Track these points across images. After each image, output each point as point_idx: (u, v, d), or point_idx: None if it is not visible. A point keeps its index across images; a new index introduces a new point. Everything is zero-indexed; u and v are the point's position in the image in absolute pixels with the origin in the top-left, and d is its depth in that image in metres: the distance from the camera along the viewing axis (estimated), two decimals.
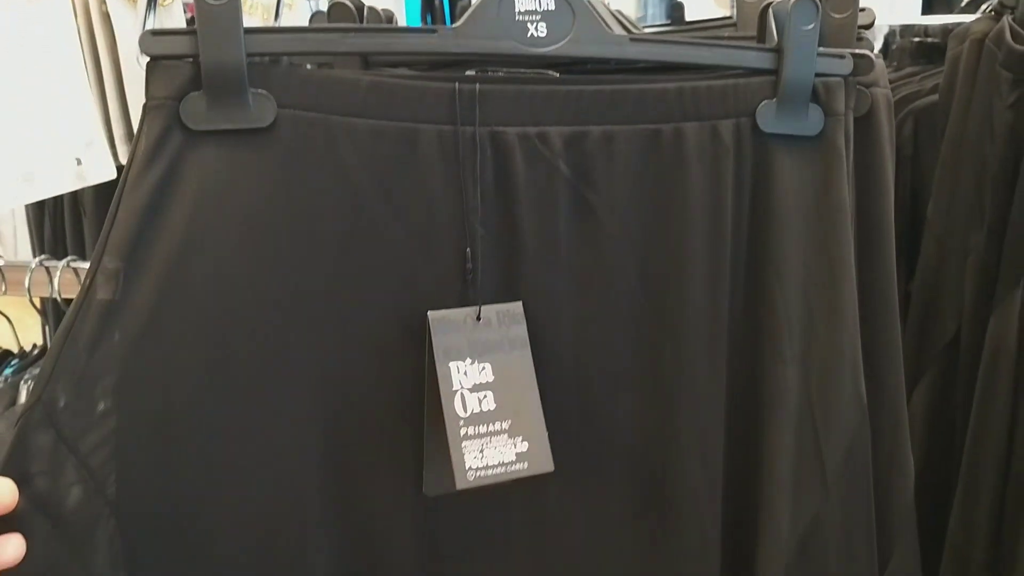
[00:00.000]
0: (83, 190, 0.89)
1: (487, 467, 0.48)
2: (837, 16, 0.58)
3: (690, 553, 0.59)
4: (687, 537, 0.59)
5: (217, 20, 0.45)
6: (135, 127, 0.57)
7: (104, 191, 0.74)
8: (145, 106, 0.47)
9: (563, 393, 0.53)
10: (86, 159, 0.79)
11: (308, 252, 0.48)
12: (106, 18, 0.81)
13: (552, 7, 0.50)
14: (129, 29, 0.82)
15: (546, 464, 0.49)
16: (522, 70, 0.53)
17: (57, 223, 1.16)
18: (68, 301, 0.81)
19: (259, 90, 0.47)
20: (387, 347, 0.51)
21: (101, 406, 0.46)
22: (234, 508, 0.50)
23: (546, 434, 0.50)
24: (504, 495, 0.53)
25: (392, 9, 0.81)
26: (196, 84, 0.46)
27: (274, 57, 0.49)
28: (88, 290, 0.46)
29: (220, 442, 0.49)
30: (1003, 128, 0.77)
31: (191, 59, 0.46)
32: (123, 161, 0.82)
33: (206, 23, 0.45)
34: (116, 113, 0.83)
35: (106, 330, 0.46)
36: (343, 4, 0.71)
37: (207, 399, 0.48)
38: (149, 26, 0.49)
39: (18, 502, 0.44)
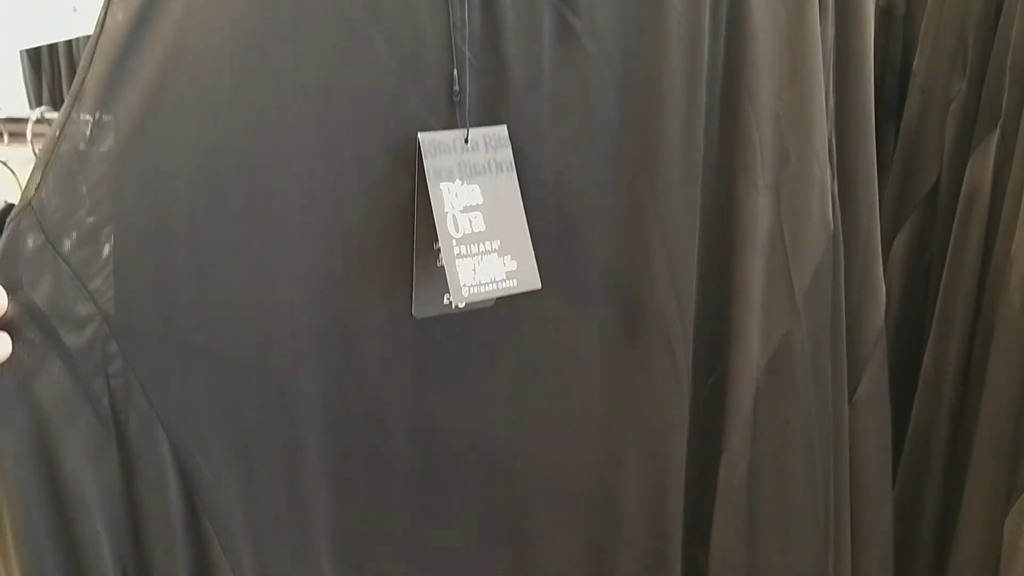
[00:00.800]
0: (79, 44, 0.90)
1: (480, 284, 0.50)
2: None
3: (662, 374, 0.63)
4: (659, 359, 0.62)
5: None
6: None
7: None
8: None
9: (544, 216, 0.56)
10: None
11: (296, 69, 0.48)
12: None
13: None
14: None
15: (534, 282, 0.52)
16: None
17: (55, 76, 1.16)
18: None
19: None
20: (375, 168, 0.51)
21: (92, 217, 0.46)
22: (228, 323, 0.50)
23: (533, 254, 0.52)
24: (488, 316, 0.57)
25: None
26: None
27: None
28: (77, 97, 0.45)
29: (212, 255, 0.49)
30: None
31: None
32: None
33: None
34: None
35: (97, 138, 0.45)
36: None
37: (198, 212, 0.48)
38: None
39: (7, 308, 0.44)
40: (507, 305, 0.56)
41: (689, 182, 0.59)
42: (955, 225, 0.80)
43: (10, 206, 0.96)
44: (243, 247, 0.50)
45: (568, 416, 0.62)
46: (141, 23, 0.45)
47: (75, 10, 0.77)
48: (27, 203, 0.45)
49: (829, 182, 0.63)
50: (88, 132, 0.45)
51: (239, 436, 0.52)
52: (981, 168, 0.77)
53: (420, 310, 0.54)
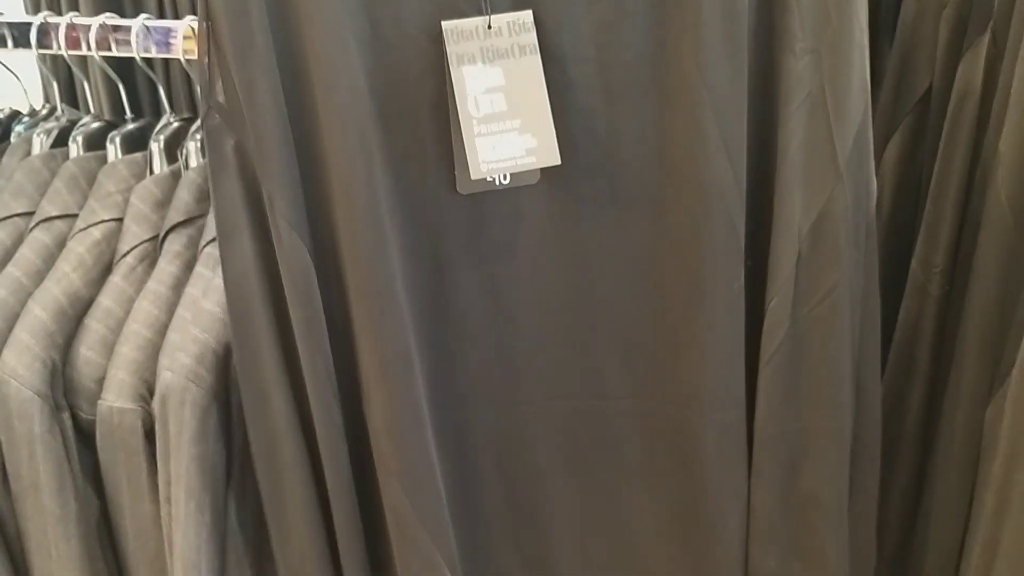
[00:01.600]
0: None
1: (498, 160, 0.53)
2: None
3: (723, 243, 0.66)
4: (719, 228, 0.65)
5: None
6: None
7: None
8: None
9: (589, 94, 0.58)
10: None
11: None
12: None
13: None
14: None
15: (553, 158, 0.55)
16: None
17: None
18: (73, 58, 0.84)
19: None
20: (422, 53, 0.56)
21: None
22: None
23: (553, 131, 0.55)
24: (537, 192, 0.62)
25: None
26: None
27: None
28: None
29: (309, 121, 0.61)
30: None
31: None
32: None
33: None
34: None
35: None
36: None
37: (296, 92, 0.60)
38: None
39: None
40: (554, 182, 0.60)
41: (734, 50, 0.61)
42: (945, 126, 0.82)
43: (15, 112, 0.97)
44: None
45: (628, 283, 0.68)
46: None
47: None
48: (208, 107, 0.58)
49: (867, 42, 0.65)
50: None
51: None
52: (972, 70, 0.79)
53: (464, 186, 0.57)
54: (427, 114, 0.58)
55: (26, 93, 0.94)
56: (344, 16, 0.55)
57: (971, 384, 0.80)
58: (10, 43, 0.86)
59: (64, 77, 1.09)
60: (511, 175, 0.60)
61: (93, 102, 0.92)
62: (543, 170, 0.62)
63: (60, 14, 1.17)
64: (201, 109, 0.64)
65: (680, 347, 0.70)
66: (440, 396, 0.70)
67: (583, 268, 0.68)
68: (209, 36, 0.59)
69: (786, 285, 0.68)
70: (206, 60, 0.60)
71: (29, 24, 0.85)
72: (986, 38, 0.78)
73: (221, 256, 0.68)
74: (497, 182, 0.59)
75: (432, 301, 0.67)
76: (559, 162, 0.56)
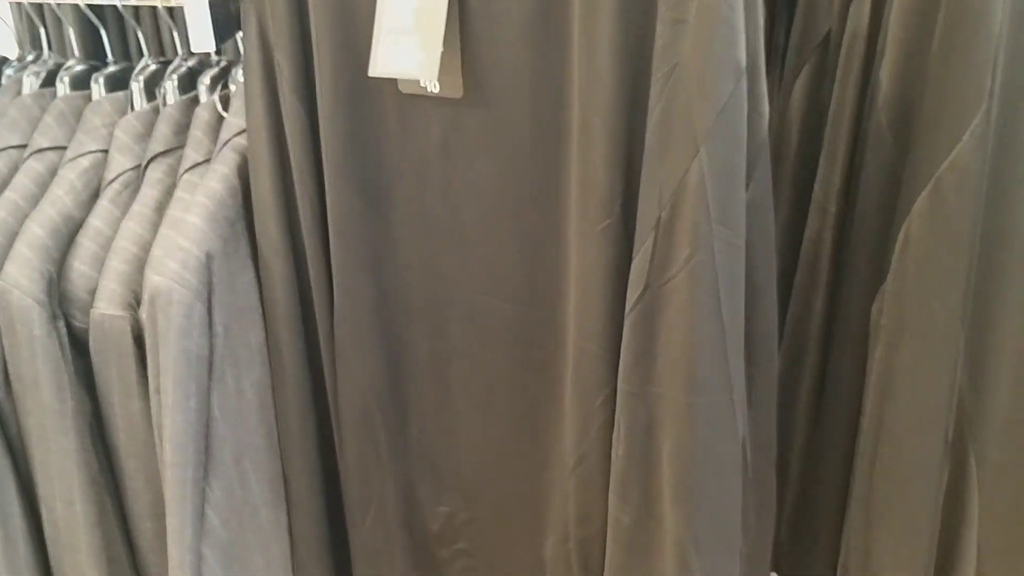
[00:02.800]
0: None
1: (392, 65, 0.67)
2: None
3: (588, 184, 0.75)
4: (589, 172, 0.75)
5: None
6: None
7: None
8: None
9: (485, 29, 0.70)
10: None
11: None
12: None
13: None
14: None
15: (432, 75, 0.71)
16: None
17: None
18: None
19: None
20: None
21: None
22: None
23: (439, 53, 0.69)
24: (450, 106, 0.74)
25: None
26: None
27: None
28: None
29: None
30: None
31: None
32: None
33: None
34: None
35: None
36: None
37: None
38: None
39: None
40: (474, 99, 0.74)
41: (617, 9, 0.69)
42: (840, 63, 0.93)
43: (3, 58, 1.06)
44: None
45: (524, 203, 0.81)
46: None
47: None
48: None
49: (740, 22, 0.67)
50: None
51: None
52: (860, 14, 0.90)
53: (404, 86, 0.71)
54: (369, 20, 0.72)
55: (15, 35, 1.02)
56: None
57: (862, 286, 0.91)
58: None
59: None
60: (440, 85, 0.73)
61: (70, 48, 1.01)
62: (466, 88, 0.74)
63: None
64: None
65: (560, 276, 0.81)
66: (376, 260, 0.87)
67: (491, 181, 0.80)
68: None
69: (646, 246, 0.72)
70: None
71: None
72: None
73: (246, 114, 0.85)
74: (428, 89, 0.72)
75: (375, 178, 0.83)
76: (435, 77, 0.70)
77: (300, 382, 0.91)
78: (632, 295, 0.75)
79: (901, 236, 0.84)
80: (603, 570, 0.86)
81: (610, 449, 0.81)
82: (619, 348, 0.78)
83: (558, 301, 0.83)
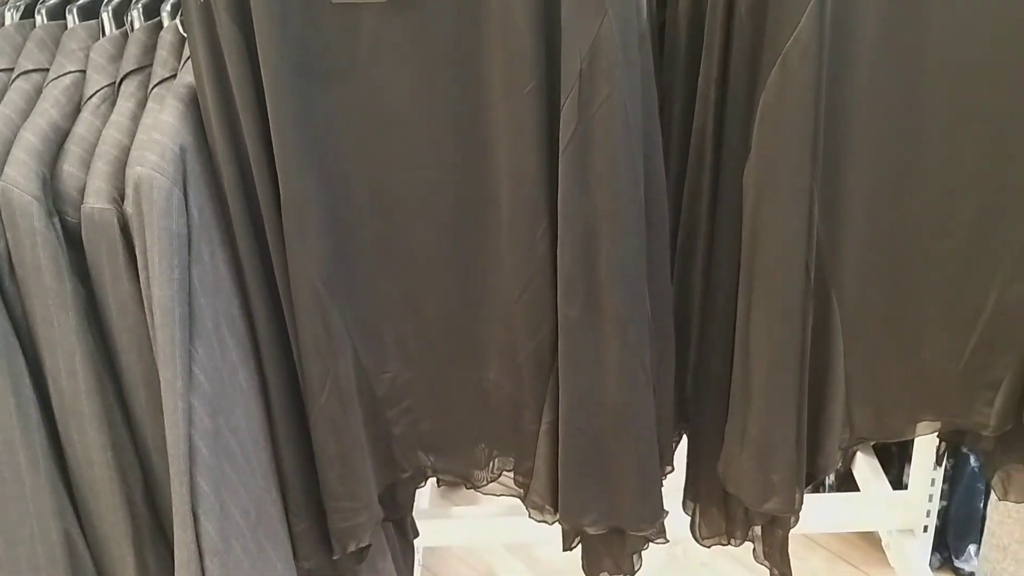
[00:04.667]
0: None
1: None
2: None
3: (517, 52, 0.92)
4: (511, 41, 0.92)
5: None
6: None
7: None
8: None
9: None
10: None
11: None
12: None
13: None
14: None
15: None
16: None
17: None
18: None
19: None
20: None
21: None
22: None
23: None
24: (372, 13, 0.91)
25: None
26: None
27: None
28: None
29: None
30: None
31: None
32: None
33: None
34: None
35: None
36: None
37: None
38: None
39: None
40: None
41: None
42: None
43: None
44: None
45: (452, 86, 0.97)
46: None
47: None
48: None
49: None
50: None
51: None
52: None
53: None
54: None
55: None
56: None
57: (737, 160, 1.09)
58: None
59: None
60: None
61: None
62: None
63: None
64: None
65: (491, 139, 0.99)
66: (316, 154, 1.01)
67: (420, 68, 0.96)
68: None
69: (572, 92, 0.91)
70: None
71: None
72: None
73: (187, 37, 0.97)
74: None
75: (310, 79, 0.97)
76: None
77: (259, 264, 1.06)
78: (565, 134, 0.94)
79: (759, 108, 1.01)
80: (553, 364, 1.05)
81: (554, 268, 1.02)
82: (553, 185, 0.98)
83: (490, 162, 1.00)
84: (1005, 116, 1.09)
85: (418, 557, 2.01)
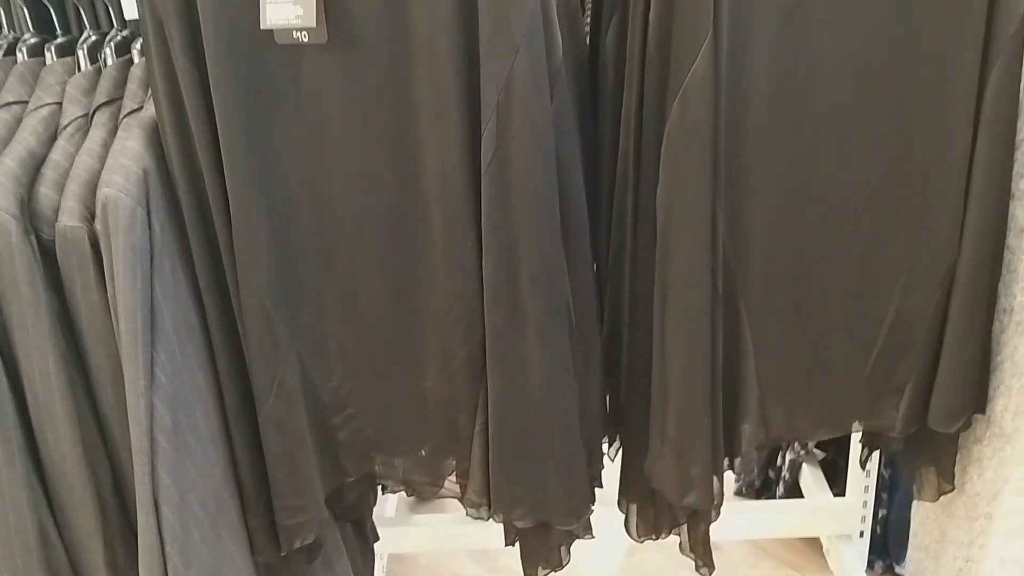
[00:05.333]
0: None
1: (279, 20, 0.94)
2: None
3: (440, 81, 1.05)
4: (435, 78, 1.05)
5: None
6: None
7: None
8: None
9: None
10: None
11: None
12: None
13: None
14: None
15: (311, 22, 0.95)
16: None
17: None
18: None
19: None
20: None
21: None
22: None
23: (315, 9, 0.96)
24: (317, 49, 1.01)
25: None
26: None
27: None
28: None
29: None
30: None
31: None
32: None
33: None
34: None
35: None
36: None
37: None
38: None
39: None
40: (336, 42, 1.02)
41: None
42: (630, 14, 1.21)
43: None
44: None
45: (384, 117, 1.09)
46: None
47: None
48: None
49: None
50: None
51: None
52: None
53: (279, 37, 0.96)
54: None
55: None
56: None
57: (652, 178, 1.20)
58: None
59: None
60: (309, 32, 1.00)
61: (24, 24, 1.27)
62: (330, 34, 1.02)
63: None
64: None
65: (420, 165, 1.11)
66: (263, 179, 1.13)
67: (356, 102, 1.08)
68: None
69: (491, 121, 1.03)
70: None
71: None
72: None
73: (148, 73, 1.09)
74: (298, 39, 1.00)
75: (258, 111, 1.09)
76: (314, 25, 0.98)
77: (214, 276, 1.17)
78: (486, 157, 1.06)
79: (665, 136, 1.13)
80: (484, 368, 1.17)
81: (481, 279, 1.13)
82: (477, 203, 1.10)
83: (421, 184, 1.12)
84: (895, 139, 1.21)
85: (383, 564, 2.11)
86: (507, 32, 1.01)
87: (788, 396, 1.34)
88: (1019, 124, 1.22)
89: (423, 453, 1.31)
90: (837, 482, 2.16)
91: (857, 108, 1.19)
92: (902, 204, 1.25)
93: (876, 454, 1.89)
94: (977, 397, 1.37)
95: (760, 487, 2.30)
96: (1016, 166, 1.25)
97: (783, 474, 2.20)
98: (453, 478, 1.33)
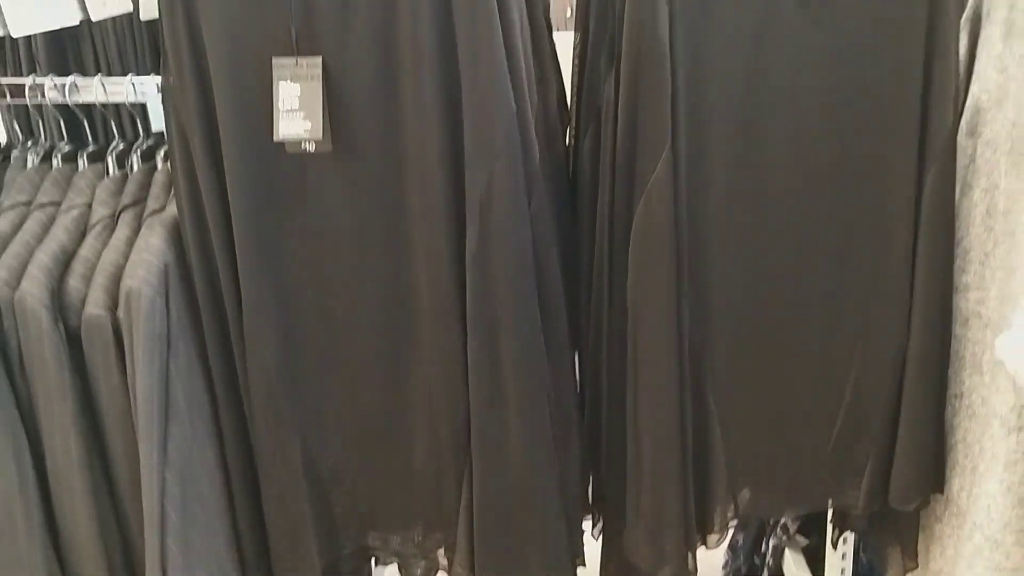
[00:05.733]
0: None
1: (290, 132, 1.06)
2: None
3: (425, 189, 1.18)
4: (426, 184, 1.18)
5: None
6: None
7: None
8: None
9: (342, 104, 1.11)
10: (65, 9, 1.31)
11: (242, 29, 1.12)
12: None
13: None
14: None
15: (318, 135, 1.10)
16: None
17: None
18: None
19: None
20: (262, 70, 1.11)
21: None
22: None
23: (321, 122, 1.10)
24: (324, 157, 1.14)
25: None
26: None
27: None
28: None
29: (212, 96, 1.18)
30: None
31: None
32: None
33: None
34: None
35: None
36: None
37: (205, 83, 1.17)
38: None
39: None
40: (340, 153, 1.16)
41: (433, 62, 1.14)
42: (603, 125, 1.35)
43: (8, 144, 1.45)
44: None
45: (380, 221, 1.23)
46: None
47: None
48: (168, 80, 1.19)
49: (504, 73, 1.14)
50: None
51: None
52: (608, 93, 1.32)
53: (290, 147, 1.11)
54: (266, 101, 1.12)
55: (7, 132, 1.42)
56: (230, 49, 1.10)
57: (624, 272, 1.32)
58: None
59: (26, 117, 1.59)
60: (316, 143, 1.13)
61: (58, 133, 1.42)
62: (336, 144, 1.15)
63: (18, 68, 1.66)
64: (161, 83, 1.20)
65: (412, 259, 1.24)
66: (274, 273, 1.26)
67: (356, 206, 1.22)
68: (163, 55, 1.15)
69: (474, 223, 1.17)
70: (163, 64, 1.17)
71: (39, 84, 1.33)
72: (612, 74, 1.32)
73: (173, 177, 1.23)
74: (305, 147, 1.13)
75: (269, 212, 1.22)
76: (320, 138, 1.12)
77: (224, 359, 1.28)
78: (470, 252, 1.19)
79: (632, 232, 1.26)
80: (469, 446, 1.27)
81: (467, 363, 1.24)
82: (463, 294, 1.22)
83: (412, 277, 1.25)
84: (843, 236, 1.34)
85: None
86: (488, 144, 1.15)
87: (755, 475, 1.43)
88: (956, 224, 1.34)
89: (414, 528, 1.40)
90: (819, 568, 2.22)
91: (806, 207, 1.31)
92: (853, 295, 1.37)
93: (853, 539, 1.97)
94: (934, 477, 1.46)
95: (746, 573, 2.36)
96: (957, 261, 1.37)
97: (767, 560, 2.27)
98: (442, 552, 1.41)
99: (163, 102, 1.20)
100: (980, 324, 1.35)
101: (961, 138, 1.31)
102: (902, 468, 1.43)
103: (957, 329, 1.40)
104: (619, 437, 1.40)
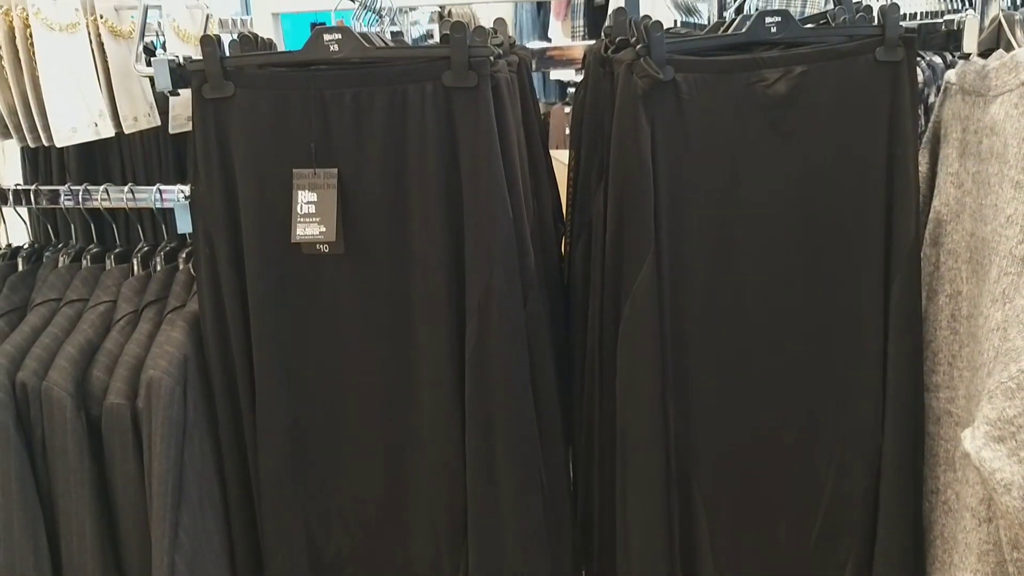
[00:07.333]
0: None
1: (306, 235, 1.17)
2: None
3: (427, 289, 1.28)
4: (427, 287, 1.28)
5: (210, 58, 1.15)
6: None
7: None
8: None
9: (354, 211, 1.22)
10: (100, 124, 1.43)
11: (268, 143, 1.22)
12: (100, 48, 1.45)
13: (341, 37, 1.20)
14: (118, 55, 1.47)
15: (333, 237, 1.20)
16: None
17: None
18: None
19: (228, 81, 1.17)
20: (283, 179, 1.24)
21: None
22: None
23: (335, 226, 1.21)
24: (336, 258, 1.24)
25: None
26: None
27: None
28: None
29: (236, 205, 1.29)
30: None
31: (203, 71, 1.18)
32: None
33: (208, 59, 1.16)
34: (107, 102, 1.48)
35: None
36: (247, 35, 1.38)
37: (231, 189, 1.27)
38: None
39: None
40: (351, 254, 1.26)
41: (440, 179, 1.26)
42: (594, 234, 1.46)
43: (33, 244, 1.56)
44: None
45: (384, 319, 1.32)
46: (205, 131, 1.28)
47: (96, 125, 1.40)
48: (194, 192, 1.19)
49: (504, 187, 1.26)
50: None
51: None
52: (597, 205, 1.44)
53: (306, 249, 1.22)
54: (286, 207, 1.23)
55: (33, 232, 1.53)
56: (256, 161, 1.22)
57: (613, 372, 1.41)
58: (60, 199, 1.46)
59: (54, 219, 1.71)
60: (329, 245, 1.24)
61: (84, 235, 1.53)
62: (347, 247, 1.26)
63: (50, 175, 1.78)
64: (190, 191, 1.32)
65: (415, 354, 1.33)
66: (286, 364, 1.34)
67: (364, 303, 1.31)
68: (193, 167, 1.27)
69: (472, 322, 1.26)
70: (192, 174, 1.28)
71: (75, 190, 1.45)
72: (601, 188, 1.44)
73: (195, 276, 1.33)
74: (319, 249, 1.24)
75: (285, 309, 1.32)
76: (334, 240, 1.23)
77: (236, 449, 1.36)
78: (468, 349, 1.28)
79: (620, 330, 1.35)
80: (466, 533, 1.33)
81: (464, 454, 1.31)
82: (462, 389, 1.30)
83: (415, 371, 1.33)
84: (816, 338, 1.42)
85: None
86: (486, 249, 1.25)
87: (740, 565, 1.48)
88: (924, 327, 1.44)
89: None
90: None
91: (780, 311, 1.40)
92: (828, 396, 1.45)
93: None
94: (915, 573, 1.51)
95: None
96: (927, 362, 1.45)
97: None
98: None
99: (191, 207, 1.31)
100: (951, 422, 1.42)
101: (926, 248, 1.41)
102: (883, 565, 1.48)
103: (930, 427, 1.47)
104: (610, 530, 1.46)
